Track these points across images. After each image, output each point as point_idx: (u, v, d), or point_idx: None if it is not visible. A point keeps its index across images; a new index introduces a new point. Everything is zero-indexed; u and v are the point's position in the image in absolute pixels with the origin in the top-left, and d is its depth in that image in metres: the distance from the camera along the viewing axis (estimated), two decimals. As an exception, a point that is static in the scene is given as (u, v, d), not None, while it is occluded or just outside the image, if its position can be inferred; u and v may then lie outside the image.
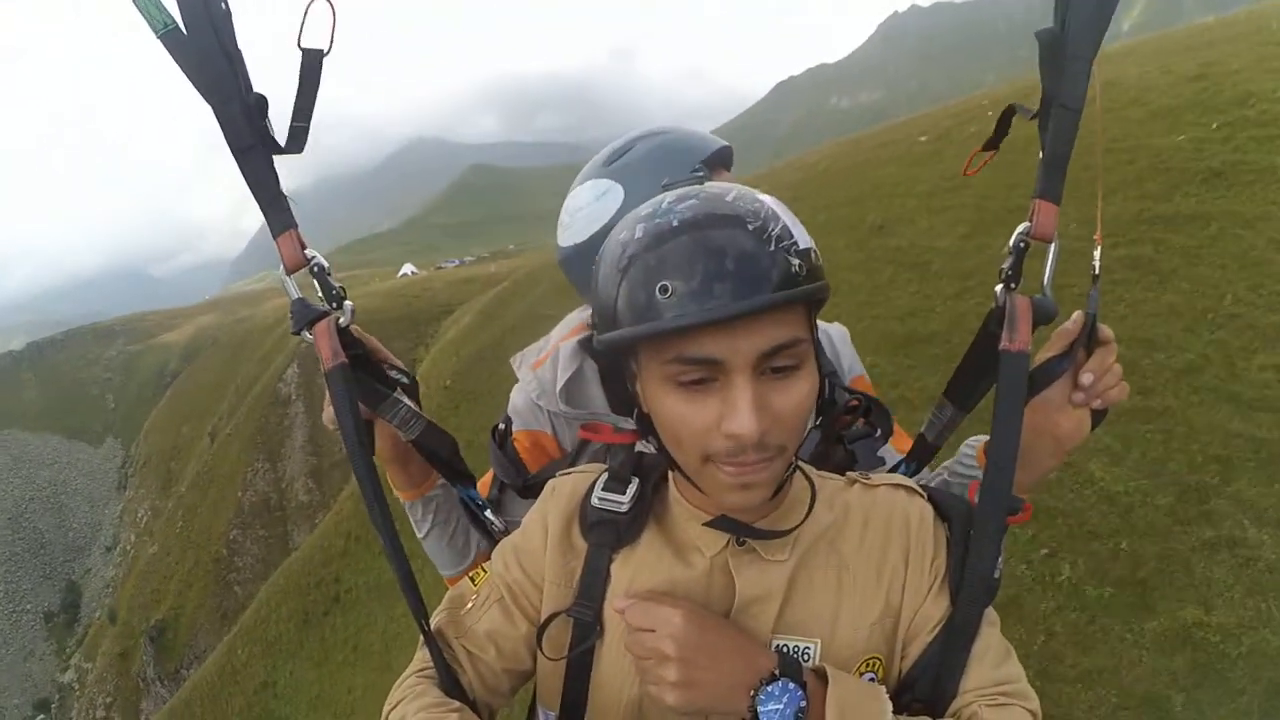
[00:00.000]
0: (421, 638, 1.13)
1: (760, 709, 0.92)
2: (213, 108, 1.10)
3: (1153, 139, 10.35)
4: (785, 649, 1.00)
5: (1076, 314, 1.14)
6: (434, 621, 1.16)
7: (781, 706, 0.91)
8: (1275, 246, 7.61)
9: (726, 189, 0.94)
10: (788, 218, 0.91)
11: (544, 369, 1.56)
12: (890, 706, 0.94)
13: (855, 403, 1.32)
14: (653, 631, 0.97)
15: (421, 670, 1.13)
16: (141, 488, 68.80)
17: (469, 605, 1.16)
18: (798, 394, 0.92)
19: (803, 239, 0.90)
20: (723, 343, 0.86)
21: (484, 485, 1.54)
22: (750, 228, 0.87)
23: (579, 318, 1.61)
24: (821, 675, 0.94)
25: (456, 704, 1.06)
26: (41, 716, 60.50)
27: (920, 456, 1.36)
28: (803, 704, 0.91)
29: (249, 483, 39.87)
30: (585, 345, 1.52)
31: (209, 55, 1.08)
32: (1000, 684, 0.99)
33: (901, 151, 15.45)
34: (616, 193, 1.51)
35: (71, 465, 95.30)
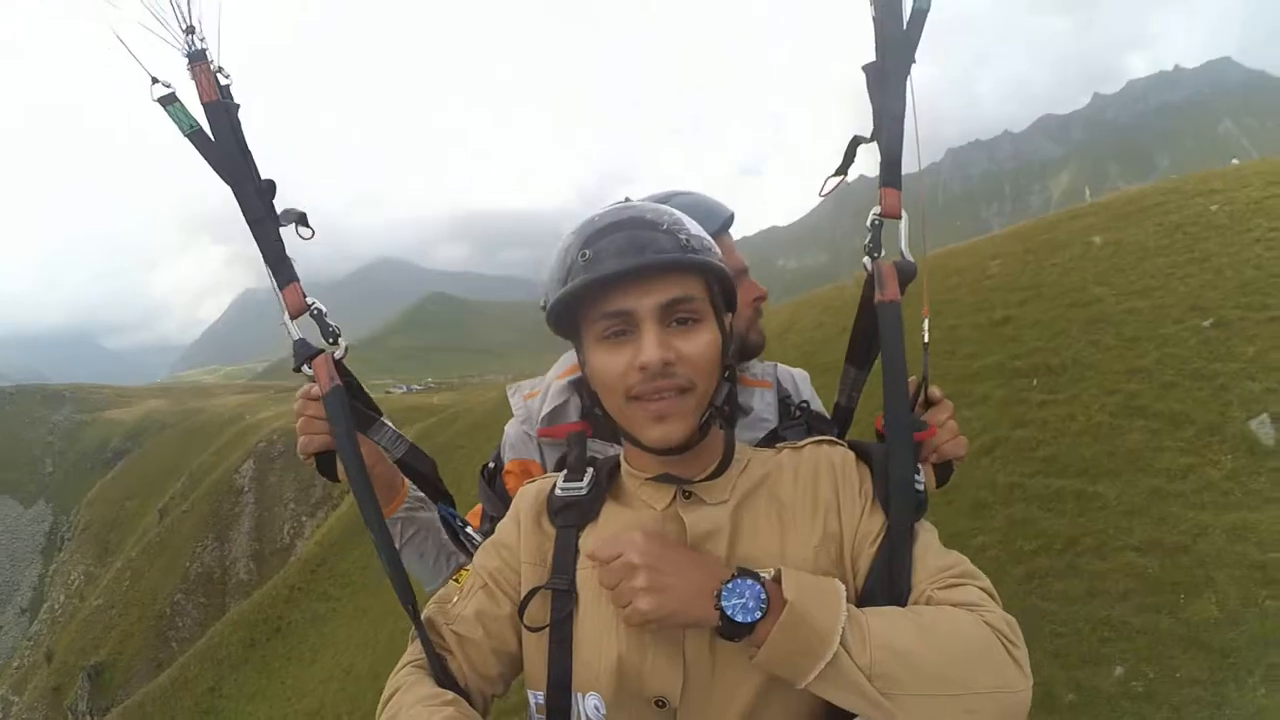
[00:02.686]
0: (414, 629, 1.24)
1: (724, 604, 1.01)
2: (232, 189, 1.38)
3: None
4: None
5: (910, 378, 1.31)
6: (424, 613, 1.27)
7: (744, 600, 1.01)
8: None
9: (642, 203, 1.24)
10: (686, 220, 1.18)
11: (534, 400, 1.72)
12: (844, 589, 1.04)
13: (799, 413, 1.67)
14: (620, 556, 1.08)
15: (415, 661, 1.22)
16: (78, 552, 72.05)
17: (455, 598, 1.28)
18: (699, 340, 1.13)
19: (696, 231, 1.16)
20: (632, 297, 1.11)
21: (473, 518, 1.70)
22: (648, 218, 1.15)
23: (573, 359, 1.68)
24: (776, 577, 1.04)
25: (451, 695, 1.14)
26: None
27: (840, 421, 1.59)
28: (763, 595, 1.01)
29: (197, 556, 46.39)
30: (575, 384, 1.64)
31: (228, 150, 1.37)
32: (947, 569, 1.10)
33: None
34: None
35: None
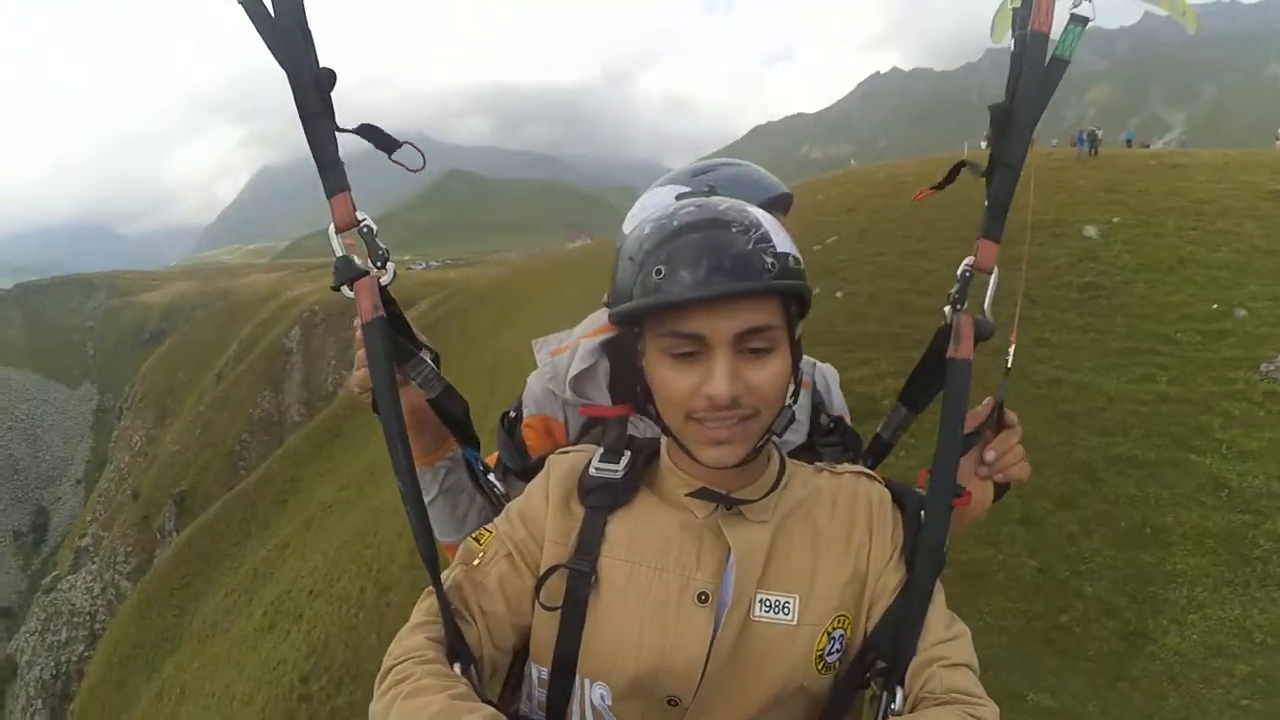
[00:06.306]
0: (432, 587, 1.19)
1: None
2: (287, 74, 1.22)
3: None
4: (768, 602, 1.13)
5: (987, 400, 1.36)
6: (449, 576, 1.22)
7: None
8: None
9: (723, 200, 1.17)
10: (771, 227, 1.11)
11: (562, 358, 1.64)
12: None
13: (834, 426, 1.64)
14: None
15: (427, 623, 1.16)
16: (137, 419, 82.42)
17: (477, 560, 1.24)
18: (770, 371, 1.10)
19: (782, 245, 1.09)
20: (706, 321, 1.06)
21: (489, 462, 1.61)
22: (734, 230, 1.08)
23: (602, 318, 1.67)
24: None
25: (476, 703, 1.02)
26: (44, 584, 72.39)
27: (877, 452, 1.57)
28: None
29: (256, 405, 57.53)
30: (605, 346, 1.59)
31: (286, 25, 1.21)
32: (948, 640, 1.14)
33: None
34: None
35: (48, 403, 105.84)
